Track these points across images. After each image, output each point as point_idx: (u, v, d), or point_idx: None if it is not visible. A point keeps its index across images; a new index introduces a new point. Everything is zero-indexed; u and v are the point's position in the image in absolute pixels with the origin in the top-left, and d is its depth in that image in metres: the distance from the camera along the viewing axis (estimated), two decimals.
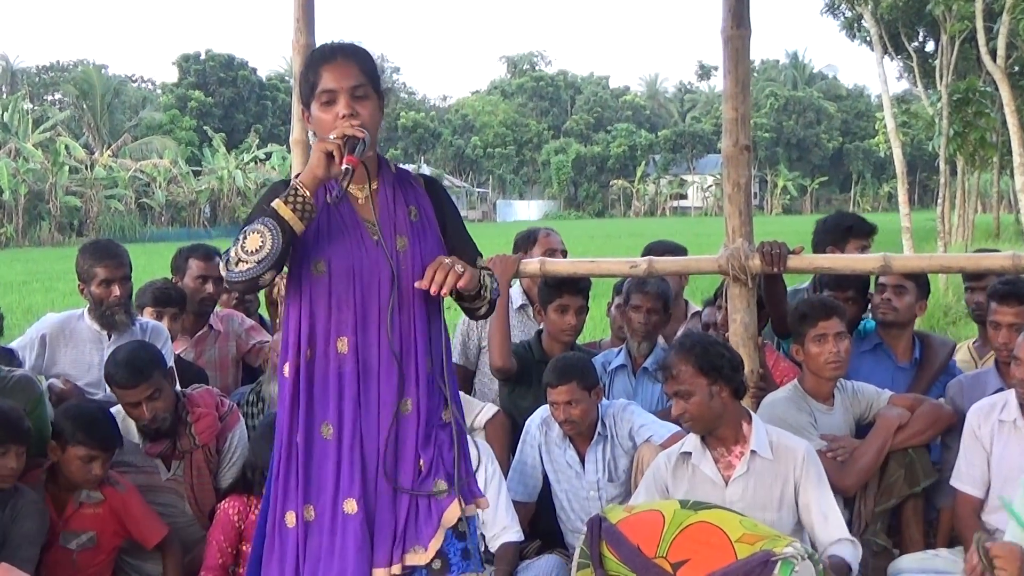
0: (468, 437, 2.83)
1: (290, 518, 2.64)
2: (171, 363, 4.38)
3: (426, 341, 2.68)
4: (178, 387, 4.20)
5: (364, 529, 2.59)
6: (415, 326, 2.66)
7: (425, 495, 2.63)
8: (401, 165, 2.86)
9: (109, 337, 4.43)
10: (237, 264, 2.51)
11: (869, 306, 4.68)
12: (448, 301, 2.74)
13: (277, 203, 2.52)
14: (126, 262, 4.42)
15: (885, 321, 4.51)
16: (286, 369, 2.66)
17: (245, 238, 2.51)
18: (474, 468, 2.79)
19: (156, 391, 3.87)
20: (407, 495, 2.62)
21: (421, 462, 2.65)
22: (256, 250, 2.49)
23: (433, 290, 2.55)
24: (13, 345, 4.41)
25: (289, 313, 2.68)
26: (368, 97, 2.63)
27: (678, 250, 5.25)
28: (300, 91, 2.74)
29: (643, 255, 4.76)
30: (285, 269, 2.66)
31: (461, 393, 3.72)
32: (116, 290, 4.33)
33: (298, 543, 2.63)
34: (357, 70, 2.62)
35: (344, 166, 2.51)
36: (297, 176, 2.63)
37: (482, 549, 2.89)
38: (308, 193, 2.53)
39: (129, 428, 4.03)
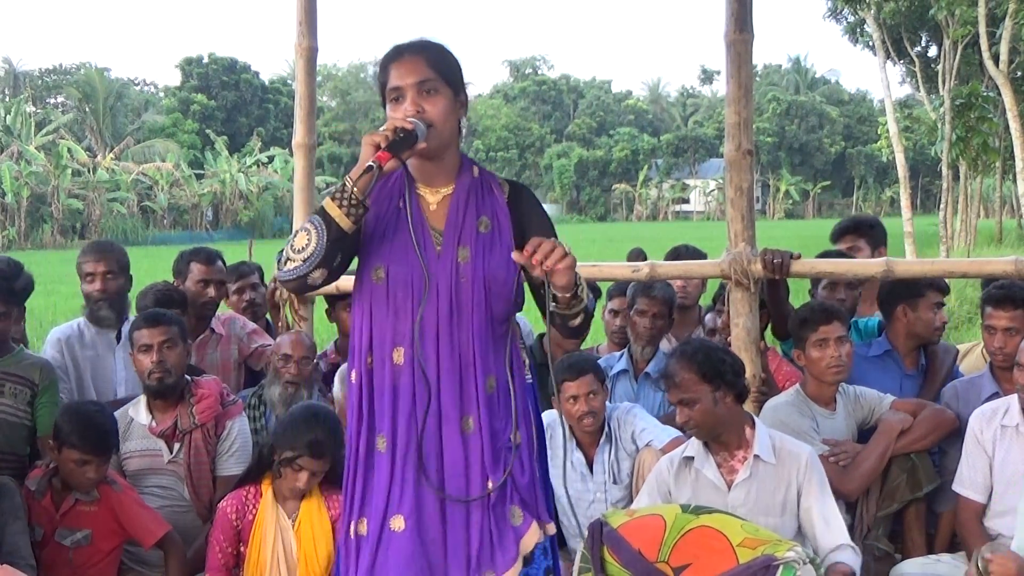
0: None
1: (350, 530, 2.62)
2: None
3: (485, 360, 2.55)
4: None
5: (411, 547, 2.51)
6: (474, 343, 2.54)
7: (498, 519, 2.53)
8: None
9: (117, 340, 4.50)
10: (286, 263, 2.46)
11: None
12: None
13: (326, 200, 2.44)
14: (112, 259, 4.50)
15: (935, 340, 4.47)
16: (353, 375, 2.61)
17: (295, 236, 2.46)
18: None
19: (172, 341, 4.04)
20: (479, 518, 2.53)
21: (490, 484, 2.54)
22: (302, 248, 2.44)
23: (535, 260, 2.35)
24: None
25: (354, 319, 2.63)
26: (438, 92, 2.53)
27: (700, 255, 5.26)
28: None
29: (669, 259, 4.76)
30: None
31: None
32: (98, 284, 4.43)
33: (348, 556, 2.61)
34: (424, 65, 2.53)
35: (369, 162, 2.38)
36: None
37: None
38: (356, 189, 2.41)
39: (139, 410, 4.13)
